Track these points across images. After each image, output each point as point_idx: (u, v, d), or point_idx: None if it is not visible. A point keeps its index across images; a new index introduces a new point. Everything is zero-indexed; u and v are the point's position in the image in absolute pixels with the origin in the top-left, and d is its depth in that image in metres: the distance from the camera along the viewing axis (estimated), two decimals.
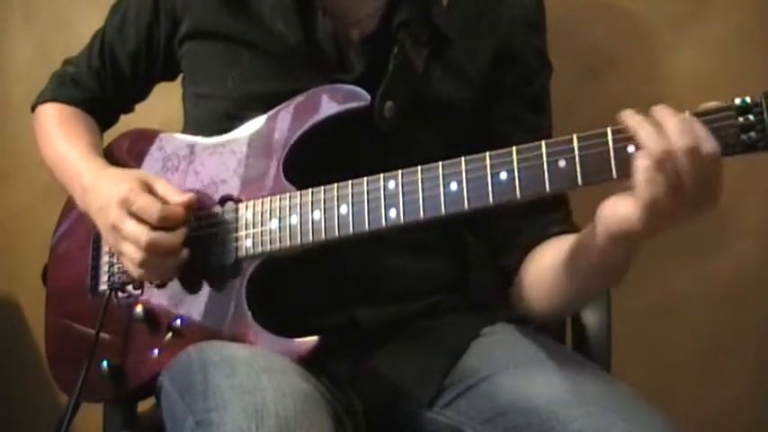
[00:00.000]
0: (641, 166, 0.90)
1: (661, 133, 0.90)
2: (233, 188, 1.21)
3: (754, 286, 1.87)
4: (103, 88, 1.40)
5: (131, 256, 1.17)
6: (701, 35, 1.80)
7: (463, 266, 1.34)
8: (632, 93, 1.78)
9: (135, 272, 1.18)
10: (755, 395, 1.90)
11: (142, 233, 1.14)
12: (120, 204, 1.16)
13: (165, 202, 1.16)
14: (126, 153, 1.34)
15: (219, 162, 1.23)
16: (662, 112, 0.92)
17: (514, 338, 1.22)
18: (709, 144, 0.90)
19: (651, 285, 1.86)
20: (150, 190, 1.18)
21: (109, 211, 1.18)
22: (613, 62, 1.82)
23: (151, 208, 1.15)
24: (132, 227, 1.15)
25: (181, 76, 1.37)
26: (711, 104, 0.93)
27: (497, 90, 1.25)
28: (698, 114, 0.91)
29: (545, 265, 1.16)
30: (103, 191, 1.21)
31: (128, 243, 1.16)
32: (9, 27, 1.98)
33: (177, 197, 1.17)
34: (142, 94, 1.44)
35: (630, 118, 0.93)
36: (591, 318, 1.39)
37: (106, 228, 1.20)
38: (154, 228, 1.14)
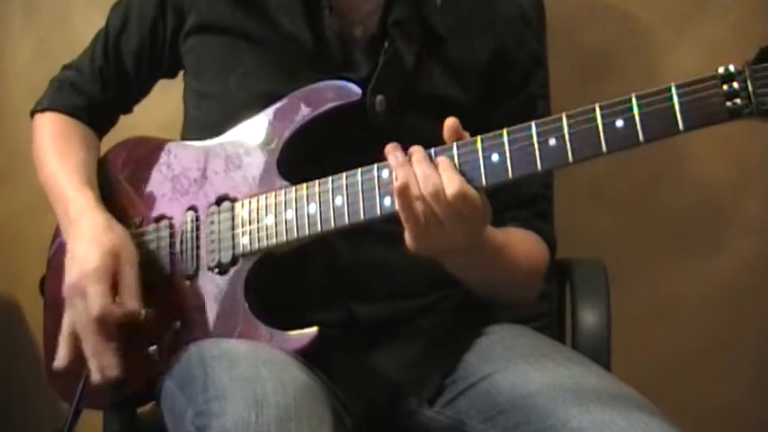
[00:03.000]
0: (398, 204, 1.03)
1: (414, 179, 1.02)
2: (229, 188, 1.21)
3: (754, 286, 1.87)
4: (105, 88, 1.39)
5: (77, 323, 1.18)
6: (700, 35, 1.81)
7: None
8: (632, 93, 1.78)
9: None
10: (755, 395, 1.90)
11: (80, 318, 1.16)
12: (78, 276, 1.17)
13: (117, 297, 1.16)
14: (122, 166, 1.33)
15: (221, 168, 1.23)
16: (415, 157, 1.04)
17: (514, 337, 1.22)
18: (450, 188, 1.01)
19: (651, 285, 1.87)
20: (115, 277, 1.17)
21: (71, 271, 1.19)
22: (613, 62, 1.82)
23: (92, 304, 1.14)
24: (78, 304, 1.16)
25: (181, 73, 1.37)
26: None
27: (493, 94, 1.27)
28: (683, 86, 0.93)
29: None
30: (79, 240, 1.21)
31: None
32: (9, 27, 1.98)
33: (128, 299, 1.16)
34: (143, 93, 1.43)
35: (392, 154, 1.05)
36: (591, 318, 1.39)
37: (67, 282, 1.20)
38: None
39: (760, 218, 1.86)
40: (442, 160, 1.03)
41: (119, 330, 1.16)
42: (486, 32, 1.27)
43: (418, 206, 1.02)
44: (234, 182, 1.21)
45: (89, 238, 1.20)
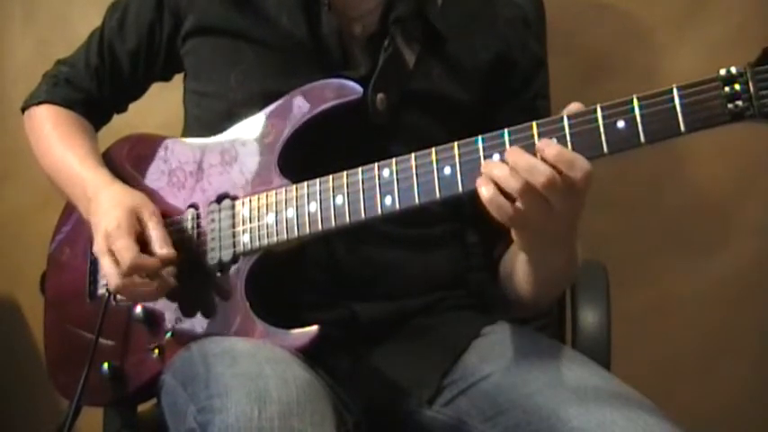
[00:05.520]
0: (485, 197, 0.98)
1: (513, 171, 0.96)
2: (230, 186, 1.21)
3: (754, 286, 1.87)
4: (101, 87, 1.39)
5: (109, 286, 1.19)
6: (701, 35, 1.81)
7: (465, 265, 1.34)
8: (632, 93, 1.78)
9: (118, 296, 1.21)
10: (755, 395, 1.90)
11: (113, 275, 1.16)
12: (103, 237, 1.18)
13: (145, 248, 1.16)
14: (125, 159, 1.33)
15: (218, 162, 1.23)
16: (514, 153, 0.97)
17: (514, 338, 1.22)
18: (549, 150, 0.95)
19: (651, 285, 1.87)
20: (140, 228, 1.18)
21: (96, 236, 1.20)
22: (613, 62, 1.82)
23: (126, 255, 1.14)
24: (107, 264, 1.17)
25: (178, 75, 1.37)
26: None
27: (494, 96, 1.27)
28: (685, 87, 0.93)
29: (511, 259, 1.20)
30: (100, 209, 1.22)
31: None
32: (9, 26, 1.98)
33: (159, 248, 1.17)
34: (138, 94, 1.43)
35: (488, 164, 0.99)
36: (591, 317, 1.39)
37: (94, 249, 1.22)
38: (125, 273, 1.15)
39: (760, 218, 1.86)
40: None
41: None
42: (487, 33, 1.27)
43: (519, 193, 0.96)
44: (234, 180, 1.21)
45: (110, 204, 1.21)
